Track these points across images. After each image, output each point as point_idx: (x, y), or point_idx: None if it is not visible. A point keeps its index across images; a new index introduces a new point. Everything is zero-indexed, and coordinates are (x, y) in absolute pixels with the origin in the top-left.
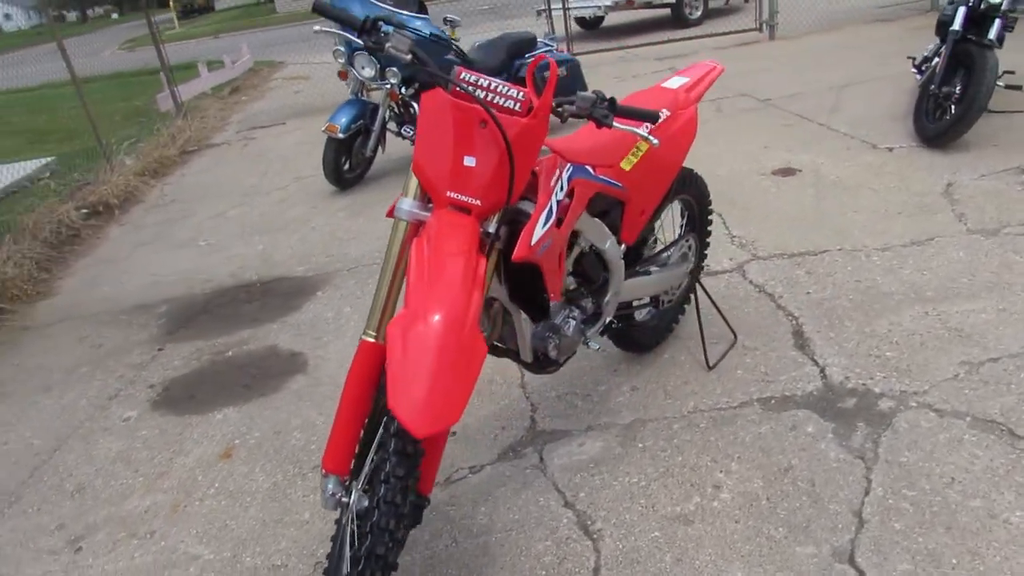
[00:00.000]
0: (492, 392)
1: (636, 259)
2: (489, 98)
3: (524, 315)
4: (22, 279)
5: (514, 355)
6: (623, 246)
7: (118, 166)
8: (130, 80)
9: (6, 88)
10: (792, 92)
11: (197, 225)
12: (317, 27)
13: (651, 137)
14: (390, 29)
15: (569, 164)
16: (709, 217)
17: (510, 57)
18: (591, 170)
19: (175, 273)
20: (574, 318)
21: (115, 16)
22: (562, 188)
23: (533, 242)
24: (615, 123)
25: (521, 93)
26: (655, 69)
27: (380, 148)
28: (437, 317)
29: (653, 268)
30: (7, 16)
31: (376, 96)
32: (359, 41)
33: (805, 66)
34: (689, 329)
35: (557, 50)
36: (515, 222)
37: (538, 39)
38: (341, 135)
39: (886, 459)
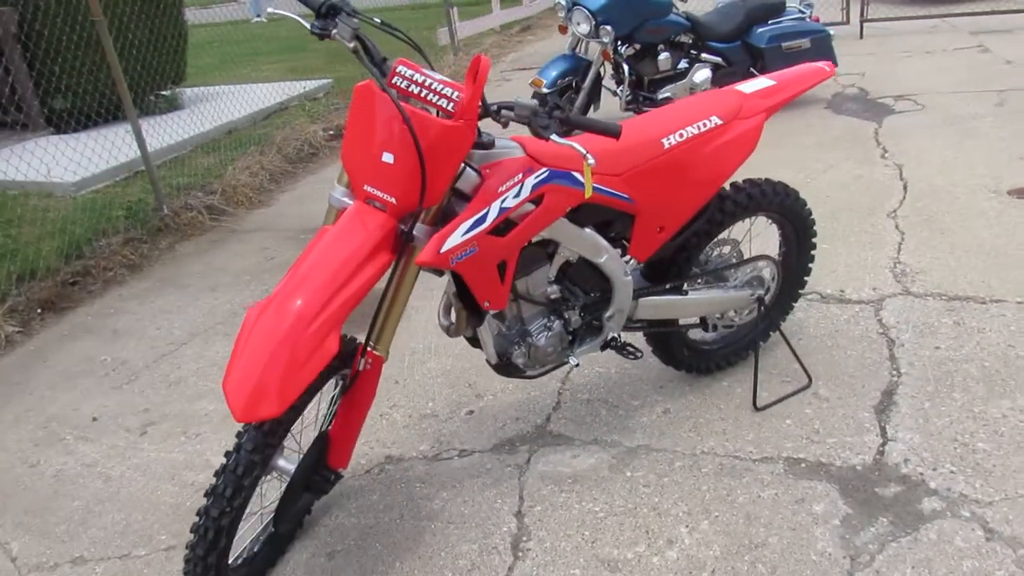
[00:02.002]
0: (532, 382)
1: (671, 275)
2: (425, 95)
3: (489, 316)
4: (252, 188)
5: None
6: (631, 261)
7: None
8: (432, 11)
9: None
10: None
11: None
12: (270, 8)
13: (588, 156)
14: (349, 11)
15: (545, 168)
16: (811, 242)
17: (749, 23)
18: (579, 177)
19: None
20: (550, 328)
21: None
22: (518, 194)
23: (444, 249)
24: (554, 137)
25: (456, 93)
26: (961, 44)
27: (593, 106)
28: (290, 308)
29: (697, 288)
30: None
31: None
32: None
33: None
34: (775, 360)
35: (811, 18)
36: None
37: (788, 4)
38: (546, 89)
39: (878, 571)
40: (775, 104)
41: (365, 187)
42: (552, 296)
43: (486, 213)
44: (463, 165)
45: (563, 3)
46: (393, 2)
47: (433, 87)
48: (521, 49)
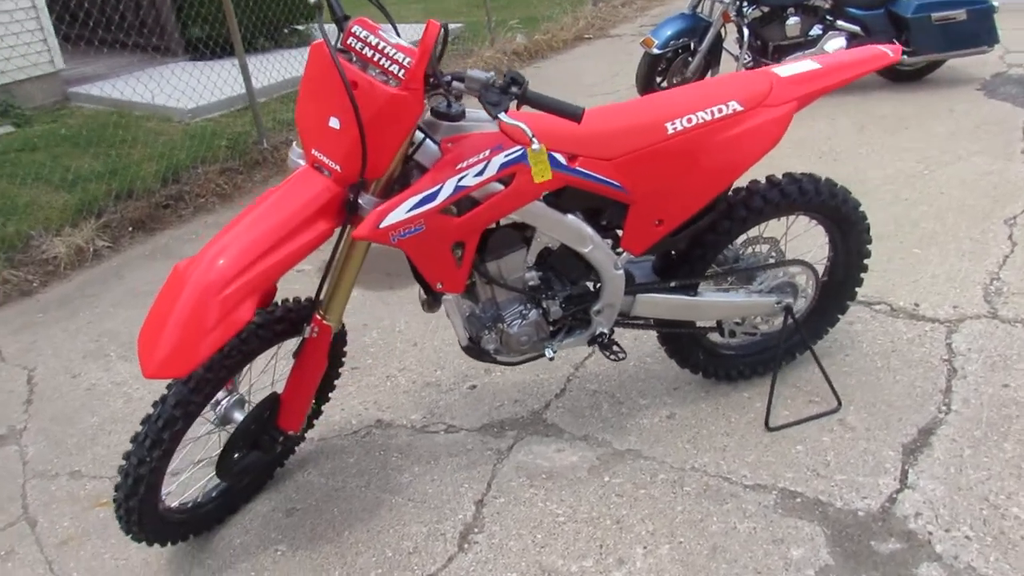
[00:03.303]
0: (544, 363)
1: (682, 272)
2: (377, 59)
3: (458, 297)
4: None
5: None
6: (623, 254)
7: (504, 42)
8: None
9: None
10: None
11: None
12: None
13: (534, 140)
14: None
15: (519, 146)
16: (863, 249)
17: None
18: (560, 158)
19: None
20: (525, 317)
21: None
22: (481, 172)
23: (383, 224)
24: (502, 116)
25: (408, 59)
26: None
27: (711, 70)
28: (211, 269)
29: (712, 289)
30: None
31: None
32: None
33: None
34: (808, 376)
35: None
36: None
37: None
38: (656, 50)
39: None
40: (812, 92)
41: (312, 151)
42: (530, 283)
43: (438, 190)
44: (423, 136)
45: None
46: None
47: (386, 51)
48: (671, 3)
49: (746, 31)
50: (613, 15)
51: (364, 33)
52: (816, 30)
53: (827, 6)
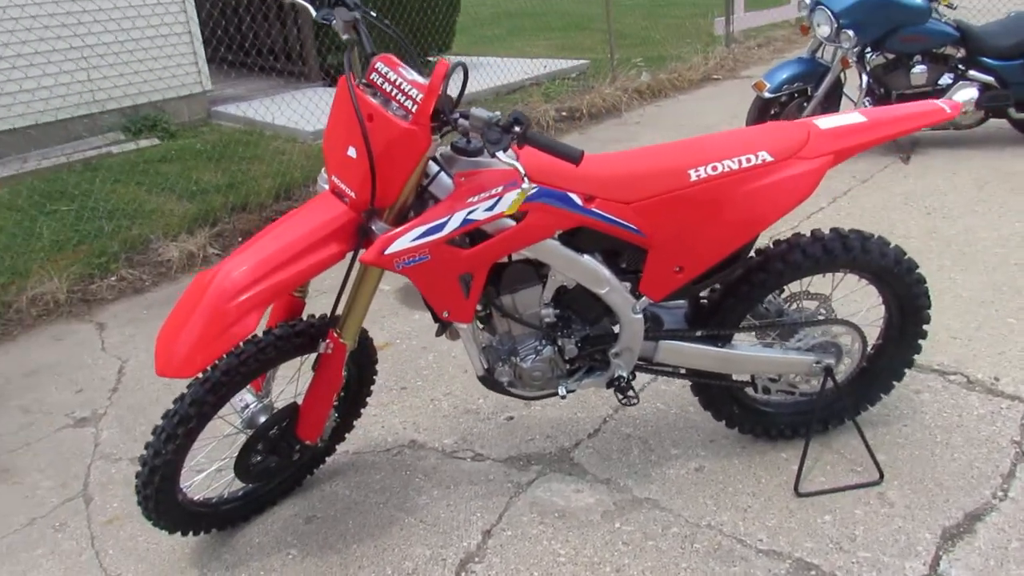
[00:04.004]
0: (584, 399)
1: (712, 322)
2: (394, 94)
3: (474, 327)
4: None
5: None
6: (643, 300)
7: (627, 79)
8: None
9: None
10: None
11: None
12: None
13: (526, 180)
14: (350, 4)
15: (534, 185)
16: (921, 314)
17: None
18: (576, 199)
19: None
20: (539, 353)
21: None
22: (492, 207)
23: (389, 251)
24: (499, 153)
25: (421, 95)
26: None
27: None
28: (226, 278)
29: (749, 343)
30: None
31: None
32: None
33: None
34: (854, 442)
35: None
36: None
37: None
38: (768, 94)
39: None
40: (850, 147)
41: (332, 177)
42: (546, 320)
43: (446, 221)
44: (439, 169)
45: (807, 1)
46: None
47: (403, 87)
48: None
49: (865, 78)
50: (746, 56)
51: (385, 69)
52: (946, 79)
53: (959, 55)
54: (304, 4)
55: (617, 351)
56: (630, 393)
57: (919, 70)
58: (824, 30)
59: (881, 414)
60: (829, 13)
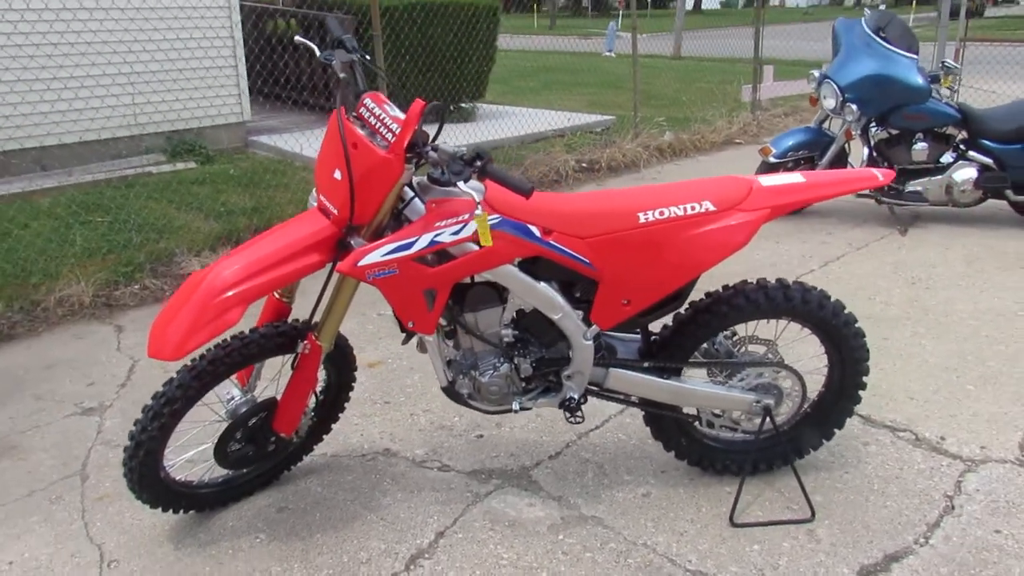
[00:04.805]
0: (551, 424)
1: (661, 356)
2: (377, 126)
3: (439, 339)
4: None
5: None
6: (593, 328)
7: (648, 137)
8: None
9: (694, 55)
10: None
11: None
12: (297, 36)
13: (479, 207)
14: (349, 48)
15: (498, 215)
16: (860, 367)
17: None
18: (535, 230)
19: None
20: (497, 369)
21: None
22: (457, 232)
23: (362, 263)
24: (460, 183)
25: (399, 128)
26: None
27: None
28: (216, 276)
29: (698, 379)
30: None
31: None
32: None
33: None
34: (793, 482)
35: None
36: None
37: None
38: (773, 159)
39: None
40: (786, 204)
41: (319, 196)
42: (506, 339)
43: (414, 241)
44: (413, 195)
45: (815, 74)
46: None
47: (385, 121)
48: None
49: (865, 150)
50: (770, 124)
51: (372, 105)
52: (947, 157)
53: (960, 135)
54: (310, 44)
55: (569, 373)
56: (578, 414)
57: (920, 147)
58: (830, 103)
59: (827, 460)
60: (835, 87)
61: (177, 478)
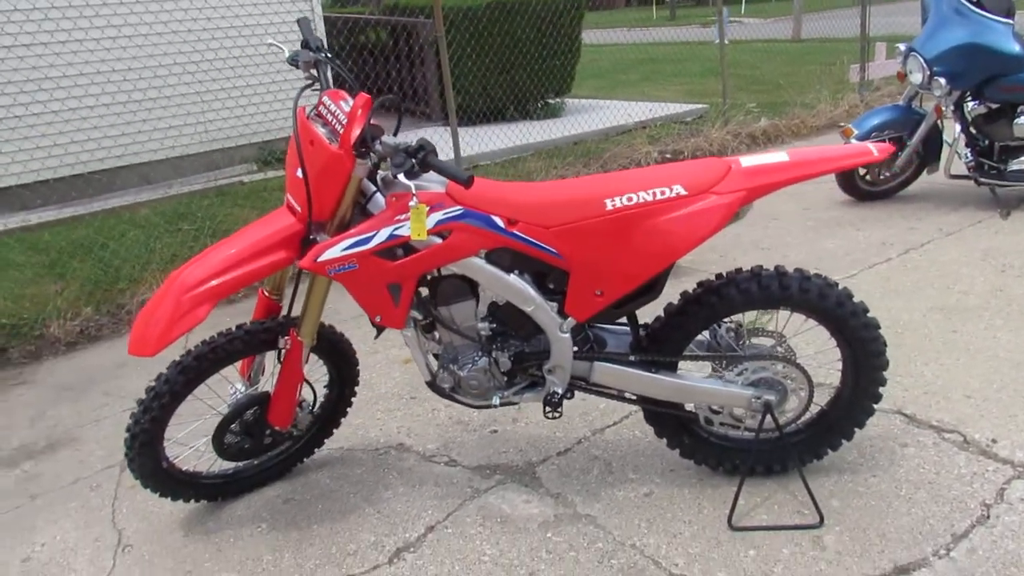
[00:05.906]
0: (566, 421)
1: (652, 349)
2: (334, 123)
3: (416, 332)
4: None
5: None
6: (569, 320)
7: (739, 124)
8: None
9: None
10: None
11: None
12: (270, 40)
13: (415, 198)
14: (313, 48)
15: (459, 207)
16: (875, 360)
17: None
18: (498, 221)
19: None
20: (475, 363)
21: None
22: None
23: (321, 259)
24: (400, 176)
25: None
26: None
27: (928, 168)
28: (187, 277)
29: (695, 373)
30: None
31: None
32: None
33: None
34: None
35: None
36: None
37: None
38: (855, 140)
39: None
40: (764, 185)
41: (286, 194)
42: (483, 333)
43: (373, 235)
44: (375, 190)
45: (901, 48)
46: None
47: (339, 117)
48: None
49: (957, 127)
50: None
51: (328, 102)
52: None
53: None
54: (279, 45)
55: (550, 367)
56: (560, 409)
57: (1021, 121)
58: (917, 77)
59: (855, 462)
60: (921, 60)
61: (184, 468)
